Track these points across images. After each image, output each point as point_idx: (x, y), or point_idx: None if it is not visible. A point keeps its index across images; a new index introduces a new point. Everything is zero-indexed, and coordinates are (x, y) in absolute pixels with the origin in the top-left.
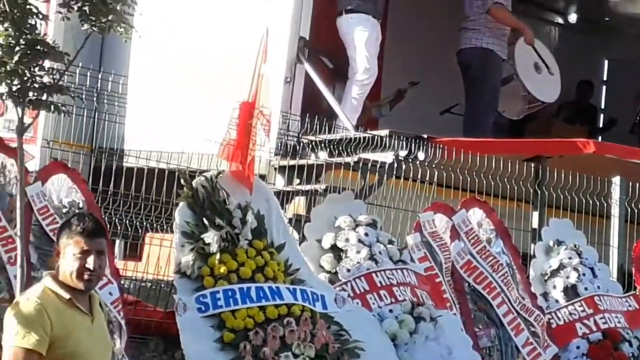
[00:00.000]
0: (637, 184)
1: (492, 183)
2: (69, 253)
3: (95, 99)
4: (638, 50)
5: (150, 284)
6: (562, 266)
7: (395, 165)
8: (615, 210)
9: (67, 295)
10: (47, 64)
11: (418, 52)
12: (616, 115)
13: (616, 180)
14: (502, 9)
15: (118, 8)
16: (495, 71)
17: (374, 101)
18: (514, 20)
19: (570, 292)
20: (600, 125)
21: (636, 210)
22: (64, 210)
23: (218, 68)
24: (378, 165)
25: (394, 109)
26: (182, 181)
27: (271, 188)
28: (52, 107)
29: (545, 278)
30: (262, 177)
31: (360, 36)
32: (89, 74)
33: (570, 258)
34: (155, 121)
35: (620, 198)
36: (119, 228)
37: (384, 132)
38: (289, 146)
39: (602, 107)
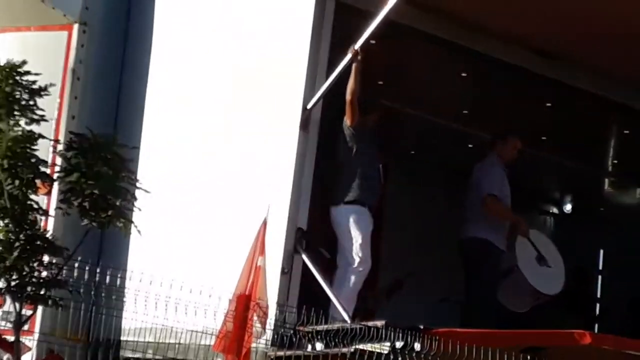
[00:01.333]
0: None
1: None
2: None
3: (93, 292)
4: (633, 241)
5: None
6: None
7: (392, 356)
8: None
9: None
10: (46, 258)
11: (416, 241)
12: (612, 304)
13: None
14: (495, 202)
15: (117, 203)
16: (493, 262)
17: (370, 292)
18: (507, 213)
19: None
20: (597, 314)
21: None
22: None
23: (216, 258)
24: (374, 357)
25: (391, 299)
26: None
27: None
28: (49, 301)
29: None
30: None
31: (359, 227)
32: (87, 268)
33: None
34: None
35: None
36: None
37: (380, 323)
38: (285, 337)
39: (599, 296)
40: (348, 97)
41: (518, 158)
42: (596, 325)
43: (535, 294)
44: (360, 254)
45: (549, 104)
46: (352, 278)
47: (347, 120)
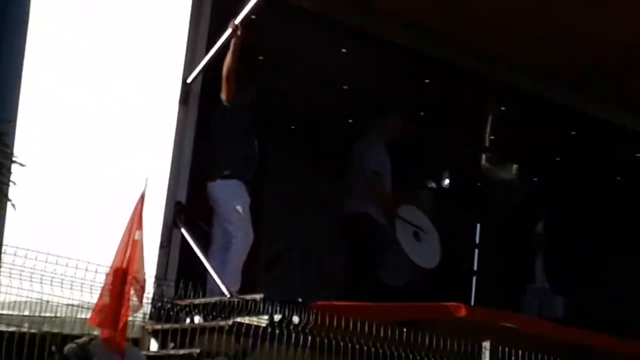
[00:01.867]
0: (507, 349)
1: (365, 347)
2: None
3: None
4: (510, 215)
5: None
6: None
7: (270, 329)
8: None
9: None
10: None
11: (296, 215)
12: (489, 278)
13: (486, 344)
14: (379, 181)
15: None
16: (375, 237)
17: (252, 265)
18: (385, 193)
19: None
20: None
21: None
22: None
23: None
24: (252, 330)
25: (271, 272)
26: (52, 348)
27: (145, 353)
28: None
29: None
30: (136, 341)
31: (237, 202)
32: None
33: None
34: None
35: None
36: None
37: (258, 296)
38: (163, 311)
39: (475, 269)
40: (224, 71)
41: (399, 134)
42: (472, 299)
43: (413, 268)
44: (240, 228)
45: (427, 80)
46: (234, 252)
47: (222, 95)
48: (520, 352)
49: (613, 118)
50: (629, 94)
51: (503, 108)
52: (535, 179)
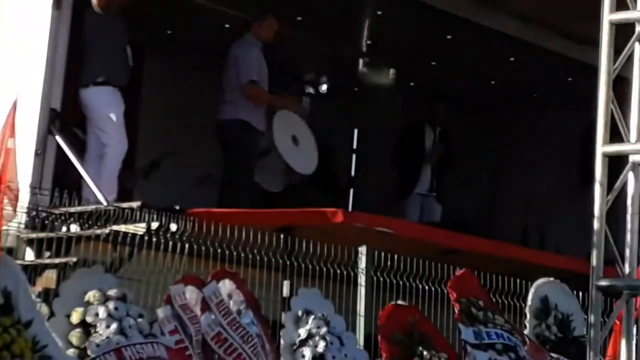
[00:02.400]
0: (383, 253)
1: (243, 254)
2: None
3: None
4: (386, 120)
5: None
6: (310, 335)
7: (147, 237)
8: (361, 279)
9: None
10: None
11: (173, 122)
12: (366, 181)
13: (362, 249)
14: (256, 87)
15: None
16: (251, 143)
17: (129, 172)
18: (269, 98)
19: None
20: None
21: (382, 279)
22: None
23: None
24: (129, 238)
25: (148, 179)
26: None
27: (20, 262)
28: None
29: (295, 348)
30: (11, 251)
31: (111, 109)
32: None
33: (318, 327)
34: None
35: (367, 267)
36: None
37: (135, 204)
38: (38, 219)
39: (353, 174)
40: None
41: (275, 38)
42: (350, 203)
43: (290, 172)
44: (114, 135)
45: None
46: (109, 159)
47: (94, 0)
48: (395, 256)
49: (488, 22)
50: None
51: (379, 12)
52: (412, 84)
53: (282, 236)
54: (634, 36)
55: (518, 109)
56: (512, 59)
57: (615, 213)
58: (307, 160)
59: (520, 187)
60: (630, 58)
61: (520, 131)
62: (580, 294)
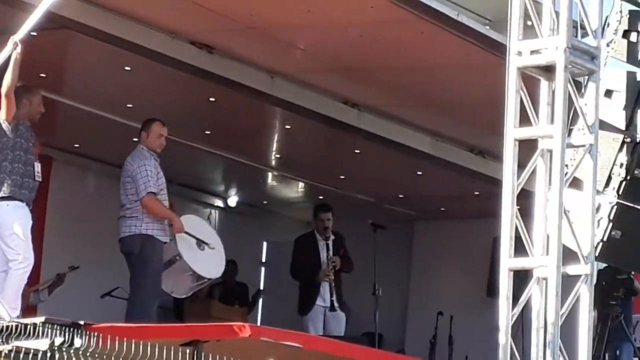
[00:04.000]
0: None
1: None
2: None
3: None
4: (295, 232)
5: None
6: None
7: (49, 354)
8: None
9: None
10: None
11: (79, 236)
12: (277, 293)
13: None
14: (152, 199)
15: None
16: (155, 255)
17: (33, 287)
18: (162, 211)
19: None
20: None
21: None
22: None
23: None
24: (31, 354)
25: (53, 294)
26: None
27: None
28: None
29: None
30: None
31: (18, 224)
32: None
33: None
34: None
35: None
36: None
37: (39, 320)
38: None
39: (262, 287)
40: (4, 90)
41: (167, 145)
42: (259, 317)
43: (197, 278)
44: (20, 251)
45: (212, 99)
46: (14, 275)
47: (2, 114)
48: None
49: (397, 136)
50: None
51: (287, 126)
52: (321, 197)
53: (187, 351)
54: (537, 152)
55: (427, 220)
56: (419, 172)
57: (523, 325)
58: (214, 265)
59: (430, 297)
60: (534, 173)
61: (429, 242)
62: None
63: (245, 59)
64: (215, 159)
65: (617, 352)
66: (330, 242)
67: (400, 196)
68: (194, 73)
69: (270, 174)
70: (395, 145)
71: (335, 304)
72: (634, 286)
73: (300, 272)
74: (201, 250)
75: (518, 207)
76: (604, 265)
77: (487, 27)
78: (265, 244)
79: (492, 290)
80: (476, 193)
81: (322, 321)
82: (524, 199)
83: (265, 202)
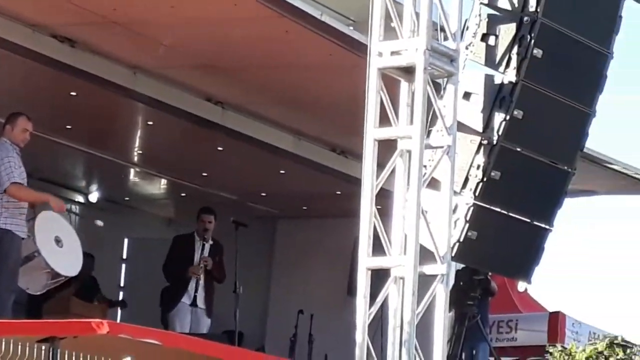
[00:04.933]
0: None
1: None
2: None
3: None
4: (156, 229)
5: None
6: None
7: None
8: None
9: None
10: None
11: None
12: (139, 290)
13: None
14: (19, 187)
15: None
16: (12, 251)
17: None
18: (35, 195)
19: None
20: (119, 299)
21: None
22: None
23: None
24: None
25: None
26: None
27: None
28: None
29: None
30: None
31: None
32: None
33: None
34: None
35: None
36: None
37: None
38: None
39: (122, 284)
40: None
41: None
42: (119, 313)
43: (53, 275)
44: None
45: (73, 93)
46: None
47: None
48: None
49: (259, 135)
50: None
51: (150, 122)
52: (183, 194)
53: (43, 347)
54: (397, 152)
55: (290, 219)
56: (282, 171)
57: (382, 324)
58: (71, 262)
59: (291, 296)
60: (393, 173)
61: (291, 241)
62: None
63: (107, 54)
64: (76, 154)
65: (474, 351)
66: (207, 245)
67: (263, 194)
68: (54, 67)
69: (132, 170)
70: (258, 143)
71: (198, 300)
72: (490, 287)
73: (170, 268)
74: (59, 248)
75: (379, 206)
76: (462, 265)
77: (351, 28)
78: (126, 240)
79: (352, 289)
80: (338, 192)
81: (189, 318)
82: (385, 199)
83: (126, 199)
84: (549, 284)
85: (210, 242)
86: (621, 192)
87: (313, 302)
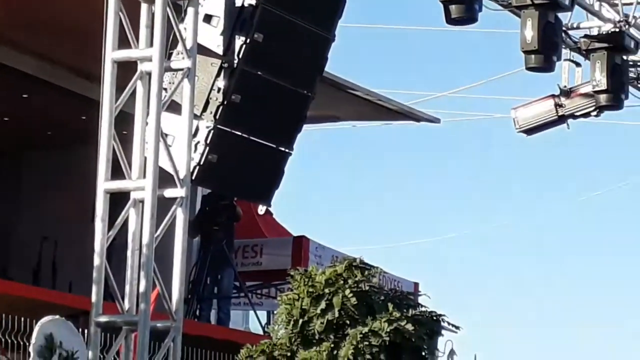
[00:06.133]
0: None
1: None
2: None
3: None
4: None
5: None
6: None
7: None
8: None
9: None
10: None
11: None
12: None
13: None
14: None
15: None
16: None
17: None
18: None
19: None
20: None
21: None
22: None
23: None
24: None
25: None
26: None
27: None
28: None
29: None
30: None
31: None
32: None
33: None
34: None
35: None
36: None
37: None
38: None
39: None
40: None
41: None
42: None
43: None
44: None
45: None
46: None
47: None
48: None
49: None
50: None
51: None
52: None
53: None
54: (136, 74)
55: (33, 146)
56: (25, 95)
57: (118, 249)
58: None
59: (37, 223)
60: (133, 95)
61: (36, 168)
62: (87, 330)
63: None
64: None
65: (219, 276)
66: None
67: (6, 119)
68: None
69: None
70: None
71: None
72: (235, 212)
73: None
74: None
75: (124, 132)
76: (208, 191)
77: None
78: None
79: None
80: (83, 117)
81: None
82: (131, 124)
83: None
84: (295, 208)
85: None
86: (364, 119)
87: (58, 230)
